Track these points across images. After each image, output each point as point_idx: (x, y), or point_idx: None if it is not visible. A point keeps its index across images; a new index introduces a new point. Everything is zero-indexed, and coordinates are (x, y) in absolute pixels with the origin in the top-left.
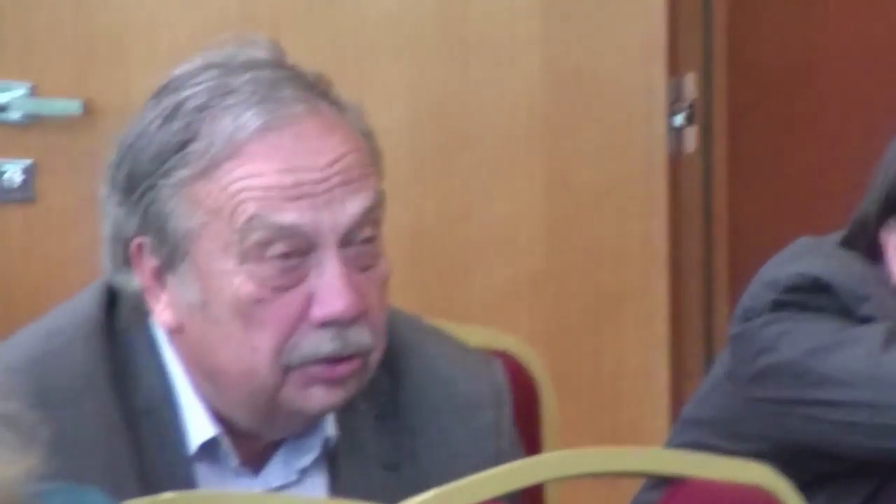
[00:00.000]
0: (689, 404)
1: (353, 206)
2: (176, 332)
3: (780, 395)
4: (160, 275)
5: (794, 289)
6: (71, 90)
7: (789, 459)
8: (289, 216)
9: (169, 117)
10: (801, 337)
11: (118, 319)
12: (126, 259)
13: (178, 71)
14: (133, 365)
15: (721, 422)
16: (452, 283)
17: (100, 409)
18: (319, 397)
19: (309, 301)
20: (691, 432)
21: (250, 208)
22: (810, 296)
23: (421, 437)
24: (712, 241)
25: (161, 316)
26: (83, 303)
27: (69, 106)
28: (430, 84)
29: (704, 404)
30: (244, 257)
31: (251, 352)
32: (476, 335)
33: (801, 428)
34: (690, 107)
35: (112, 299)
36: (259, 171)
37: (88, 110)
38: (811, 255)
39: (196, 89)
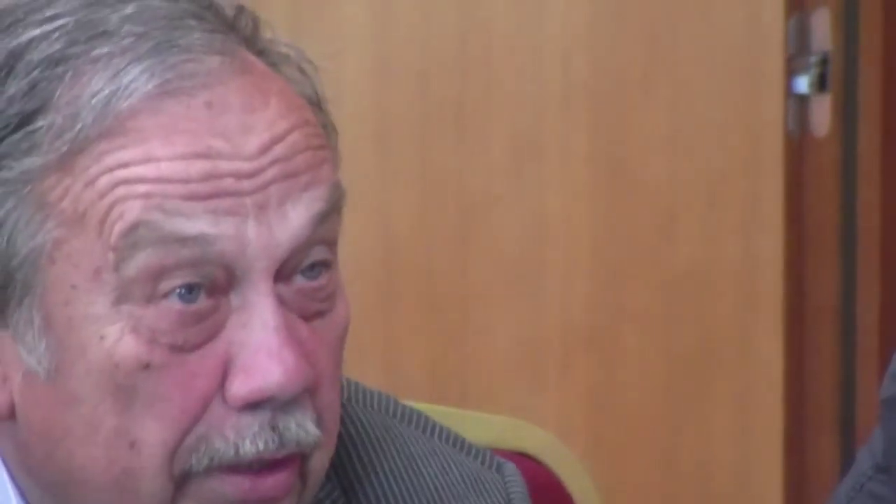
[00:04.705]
0: None
1: (298, 214)
2: (2, 418)
3: None
4: None
5: None
6: None
7: None
8: (195, 224)
9: (0, 74)
10: None
11: None
12: None
13: None
14: None
15: None
16: (441, 340)
17: None
18: None
19: (224, 368)
20: None
21: (132, 211)
22: None
23: None
24: (855, 274)
25: None
26: None
27: None
28: (408, 22)
29: None
30: (123, 294)
31: (128, 450)
32: (476, 427)
33: None
34: (822, 62)
35: None
36: (150, 154)
37: None
38: None
39: (44, 29)
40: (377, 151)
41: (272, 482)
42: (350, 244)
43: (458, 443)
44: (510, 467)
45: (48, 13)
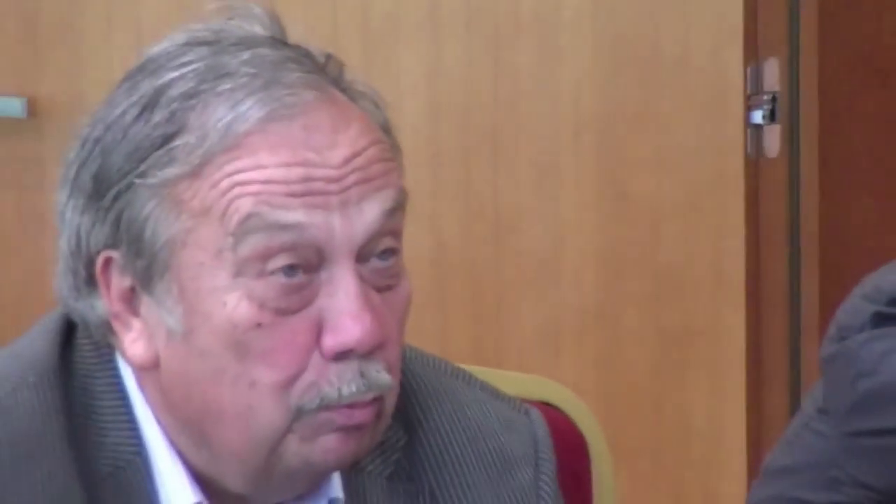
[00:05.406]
0: (774, 451)
1: (372, 209)
2: (149, 368)
3: (886, 426)
4: (133, 297)
5: None
6: (11, 86)
7: None
8: (293, 214)
9: (147, 106)
10: None
11: (76, 360)
12: (89, 279)
13: (155, 50)
14: (95, 417)
15: (813, 467)
16: (481, 320)
17: (53, 473)
18: (331, 448)
19: (318, 327)
20: (776, 484)
21: (246, 205)
22: None
23: (443, 501)
24: (800, 266)
25: (131, 349)
26: (31, 341)
27: (9, 106)
28: (454, 72)
29: (792, 449)
30: (239, 270)
31: (249, 387)
32: (511, 383)
33: None
34: (773, 100)
35: (69, 335)
36: (259, 163)
37: (33, 111)
38: None
39: (181, 72)
40: (429, 173)
41: (361, 413)
42: (406, 247)
43: (495, 393)
44: (535, 412)
45: (183, 59)
